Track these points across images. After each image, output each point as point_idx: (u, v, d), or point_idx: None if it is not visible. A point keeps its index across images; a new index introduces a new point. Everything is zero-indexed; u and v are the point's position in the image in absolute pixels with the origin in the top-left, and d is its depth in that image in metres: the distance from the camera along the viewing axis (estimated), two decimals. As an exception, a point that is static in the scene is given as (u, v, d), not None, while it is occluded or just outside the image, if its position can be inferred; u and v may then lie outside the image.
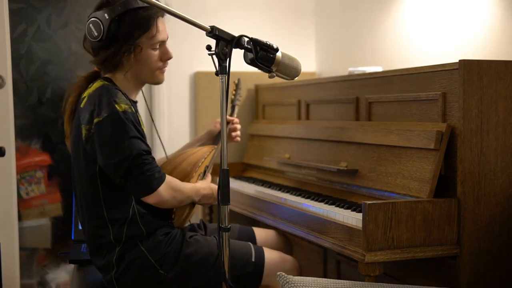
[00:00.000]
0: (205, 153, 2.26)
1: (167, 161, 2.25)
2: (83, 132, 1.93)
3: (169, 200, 1.98)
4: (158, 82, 2.12)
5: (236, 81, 2.68)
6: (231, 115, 2.60)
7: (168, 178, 1.99)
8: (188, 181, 2.14)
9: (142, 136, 1.96)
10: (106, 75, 2.05)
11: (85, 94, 1.99)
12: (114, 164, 1.89)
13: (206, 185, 2.15)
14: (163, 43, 2.07)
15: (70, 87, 2.12)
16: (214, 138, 2.49)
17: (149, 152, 1.95)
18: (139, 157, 1.90)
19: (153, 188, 1.93)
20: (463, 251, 1.96)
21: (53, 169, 3.65)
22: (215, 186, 2.17)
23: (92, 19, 1.95)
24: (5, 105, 3.01)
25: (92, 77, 2.08)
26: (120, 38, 1.95)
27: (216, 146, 2.37)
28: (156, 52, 2.05)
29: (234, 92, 2.66)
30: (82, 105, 1.97)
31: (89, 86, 2.02)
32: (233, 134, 2.52)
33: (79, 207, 2.04)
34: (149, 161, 1.93)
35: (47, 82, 3.56)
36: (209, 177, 2.28)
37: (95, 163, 1.94)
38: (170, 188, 1.98)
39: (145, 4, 1.95)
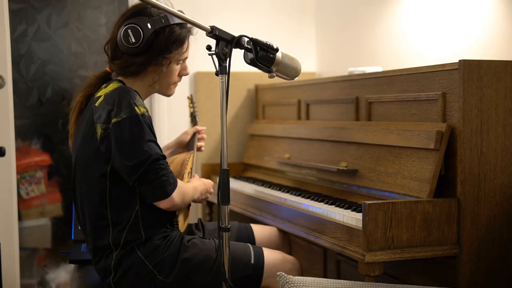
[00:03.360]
0: (186, 156, 2.30)
1: None
2: (99, 131, 1.92)
3: (179, 204, 1.99)
4: (169, 95, 2.16)
5: (190, 97, 2.80)
6: (195, 125, 2.70)
7: (179, 182, 1.99)
8: (182, 178, 2.16)
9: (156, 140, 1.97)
10: (119, 78, 2.05)
11: (101, 93, 1.98)
12: (131, 167, 1.89)
13: (200, 182, 2.18)
14: (185, 59, 2.11)
15: (80, 86, 2.12)
16: (183, 147, 2.56)
17: (164, 157, 1.95)
18: (156, 161, 1.91)
19: (167, 194, 1.93)
20: (463, 251, 1.96)
21: (53, 169, 3.65)
22: (206, 180, 2.22)
23: (132, 25, 1.94)
24: (5, 105, 3.01)
25: (103, 78, 2.08)
26: (154, 49, 1.97)
27: (192, 152, 2.43)
28: (178, 67, 2.09)
29: (191, 105, 2.76)
30: (97, 104, 1.96)
31: (103, 86, 2.01)
32: (199, 144, 2.58)
33: (79, 206, 2.03)
34: (165, 166, 1.93)
35: (47, 82, 3.56)
36: (195, 176, 2.30)
37: (108, 163, 1.93)
38: (181, 192, 1.99)
39: (182, 21, 1.96)
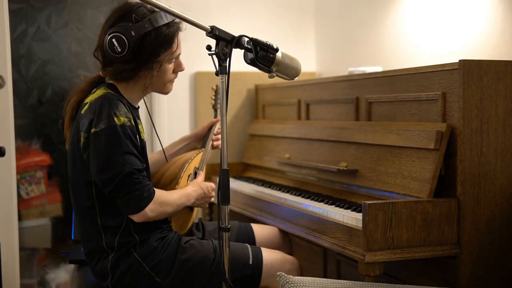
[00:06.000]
0: (192, 155, 2.28)
1: (158, 170, 2.26)
2: (82, 139, 1.92)
3: (156, 217, 1.96)
4: (167, 92, 2.12)
5: (215, 87, 2.73)
6: (215, 118, 2.64)
7: (157, 194, 1.96)
8: (177, 183, 2.14)
9: (138, 150, 1.94)
10: (111, 82, 2.03)
11: (87, 100, 1.97)
12: (105, 180, 1.88)
13: (197, 187, 2.13)
14: (178, 56, 2.07)
15: (73, 91, 2.10)
16: (200, 140, 2.50)
17: (141, 169, 1.92)
18: (130, 175, 1.88)
19: (140, 208, 1.91)
20: (463, 251, 1.96)
21: (53, 169, 3.65)
22: (205, 184, 2.17)
23: (116, 34, 1.89)
24: (5, 105, 3.01)
25: (96, 83, 2.06)
26: (142, 55, 1.94)
27: (203, 149, 2.39)
28: (171, 65, 2.06)
29: (213, 97, 2.70)
30: (82, 112, 1.95)
31: (92, 91, 2.00)
32: (215, 143, 2.51)
33: (74, 209, 2.04)
34: (139, 180, 1.90)
35: (47, 82, 3.56)
36: (201, 176, 2.27)
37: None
38: (158, 204, 1.95)
39: (169, 20, 1.95)
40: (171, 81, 2.10)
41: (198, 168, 2.31)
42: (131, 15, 1.93)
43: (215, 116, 2.65)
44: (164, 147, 2.41)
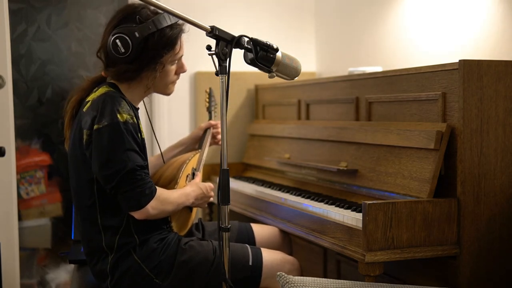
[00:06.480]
0: (189, 156, 2.29)
1: (156, 172, 2.27)
2: (84, 136, 1.92)
3: (158, 214, 1.96)
4: (169, 93, 2.13)
5: (208, 90, 2.74)
6: (210, 119, 2.67)
7: (158, 192, 1.96)
8: (176, 182, 2.14)
9: (139, 148, 1.94)
10: (112, 81, 2.03)
11: (89, 98, 1.97)
12: (107, 176, 1.88)
13: (195, 187, 2.14)
14: (181, 57, 2.08)
15: (74, 89, 2.11)
16: (196, 143, 2.52)
17: (143, 166, 1.92)
18: (132, 172, 1.88)
19: (141, 205, 1.91)
20: (463, 251, 1.96)
21: (53, 169, 3.66)
22: (203, 184, 2.17)
23: (120, 34, 1.90)
24: (5, 105, 3.01)
25: (98, 82, 2.06)
26: (146, 56, 1.94)
27: (199, 150, 2.40)
28: (174, 67, 2.06)
29: (207, 99, 2.72)
30: (84, 109, 1.95)
31: (94, 90, 2.00)
32: (217, 138, 2.55)
33: (75, 210, 2.04)
34: (141, 176, 1.90)
35: (47, 82, 3.56)
36: (198, 177, 2.27)
37: None
38: (159, 202, 1.95)
39: (172, 22, 1.96)
40: (173, 82, 2.11)
41: (195, 169, 2.32)
42: (135, 16, 1.94)
43: (210, 119, 2.67)
44: (162, 149, 2.42)
